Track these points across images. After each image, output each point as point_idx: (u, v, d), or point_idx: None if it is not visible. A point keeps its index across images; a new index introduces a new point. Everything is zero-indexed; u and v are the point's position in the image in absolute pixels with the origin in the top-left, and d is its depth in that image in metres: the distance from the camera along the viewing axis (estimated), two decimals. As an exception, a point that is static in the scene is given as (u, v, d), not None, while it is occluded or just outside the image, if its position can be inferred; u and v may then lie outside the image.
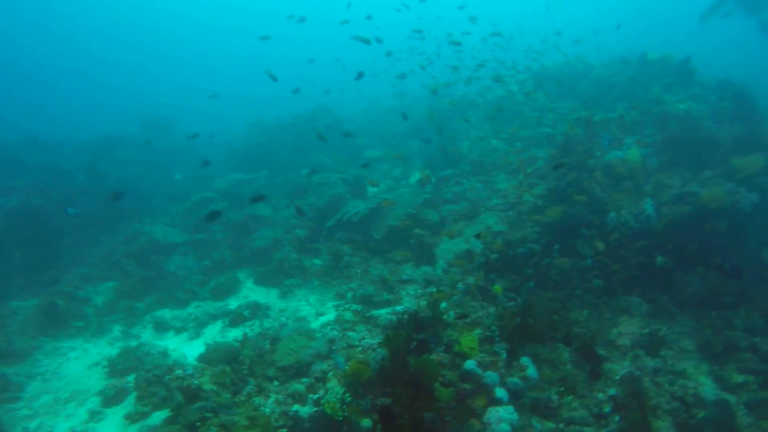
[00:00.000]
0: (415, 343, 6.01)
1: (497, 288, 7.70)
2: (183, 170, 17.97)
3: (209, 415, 5.90)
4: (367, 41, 10.31)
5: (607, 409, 5.96)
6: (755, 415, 6.43)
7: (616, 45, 17.92)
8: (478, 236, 8.18)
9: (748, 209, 9.11)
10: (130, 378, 7.89)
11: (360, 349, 6.57)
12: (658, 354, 7.37)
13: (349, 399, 5.15)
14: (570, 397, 6.13)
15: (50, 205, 13.49)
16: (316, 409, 5.22)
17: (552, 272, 8.54)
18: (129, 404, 7.43)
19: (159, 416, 6.78)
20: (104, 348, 9.34)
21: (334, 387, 5.33)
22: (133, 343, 9.16)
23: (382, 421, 4.86)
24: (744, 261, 9.09)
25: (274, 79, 10.07)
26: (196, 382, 6.43)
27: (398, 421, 4.73)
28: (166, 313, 10.19)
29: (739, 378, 6.97)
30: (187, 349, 8.69)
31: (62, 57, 57.48)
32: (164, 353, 8.45)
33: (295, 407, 5.33)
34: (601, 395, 6.19)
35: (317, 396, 5.43)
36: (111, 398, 7.59)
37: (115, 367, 8.32)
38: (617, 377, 6.61)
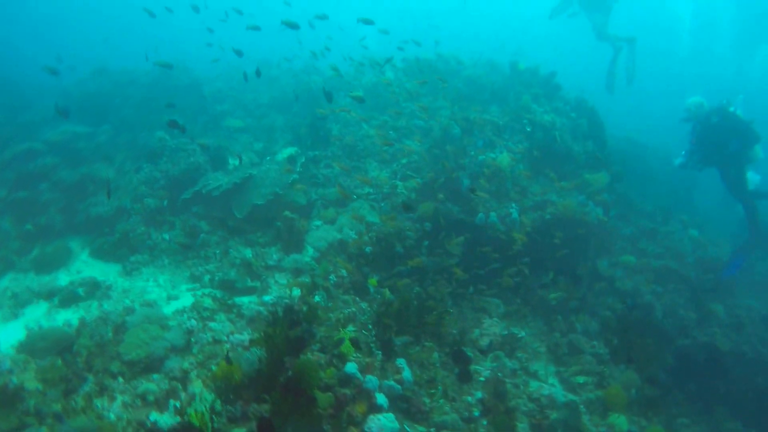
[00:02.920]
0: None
1: (372, 281, 7.35)
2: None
3: (31, 421, 4.62)
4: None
5: (476, 412, 5.96)
6: (590, 412, 7.04)
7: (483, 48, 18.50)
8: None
9: (594, 222, 10.04)
10: None
11: (229, 345, 5.69)
12: (515, 356, 7.70)
13: (219, 408, 4.32)
14: (441, 400, 6.01)
15: None
16: (179, 419, 4.29)
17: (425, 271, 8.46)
18: None
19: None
20: None
21: (203, 393, 4.44)
22: None
23: (258, 435, 4.13)
24: (582, 270, 10.07)
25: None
26: (15, 379, 5.01)
27: (277, 435, 4.06)
28: (-36, 288, 8.04)
29: (580, 379, 7.58)
30: None
31: None
32: (-37, 340, 6.56)
33: (153, 416, 4.33)
34: (470, 398, 6.18)
35: (179, 404, 4.48)
36: None
37: None
38: (482, 379, 6.70)
